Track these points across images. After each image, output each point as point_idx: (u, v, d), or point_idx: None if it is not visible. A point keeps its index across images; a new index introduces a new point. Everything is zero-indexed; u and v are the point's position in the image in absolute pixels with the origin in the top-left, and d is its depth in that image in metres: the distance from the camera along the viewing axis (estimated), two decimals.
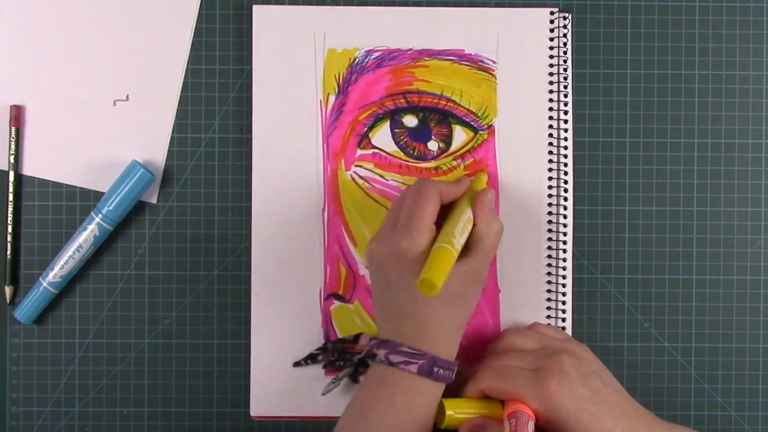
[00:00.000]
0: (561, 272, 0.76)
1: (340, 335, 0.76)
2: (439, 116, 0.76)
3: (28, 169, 0.77)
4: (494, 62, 0.76)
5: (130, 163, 0.75)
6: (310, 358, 0.76)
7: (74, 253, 0.75)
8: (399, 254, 0.67)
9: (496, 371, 0.69)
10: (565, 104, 0.76)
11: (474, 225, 0.70)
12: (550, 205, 0.76)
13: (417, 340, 0.68)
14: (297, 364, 0.76)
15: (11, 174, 0.76)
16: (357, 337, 0.75)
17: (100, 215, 0.75)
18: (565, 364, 0.67)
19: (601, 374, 0.69)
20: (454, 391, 0.70)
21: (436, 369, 0.67)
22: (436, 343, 0.68)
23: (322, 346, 0.76)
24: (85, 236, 0.75)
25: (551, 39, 0.76)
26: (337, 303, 0.76)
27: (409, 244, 0.66)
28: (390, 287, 0.68)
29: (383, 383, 0.68)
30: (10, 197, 0.76)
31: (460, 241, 0.67)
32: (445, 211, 0.70)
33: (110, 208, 0.75)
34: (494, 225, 0.70)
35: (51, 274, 0.75)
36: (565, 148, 0.77)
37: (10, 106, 0.76)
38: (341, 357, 0.76)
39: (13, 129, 0.76)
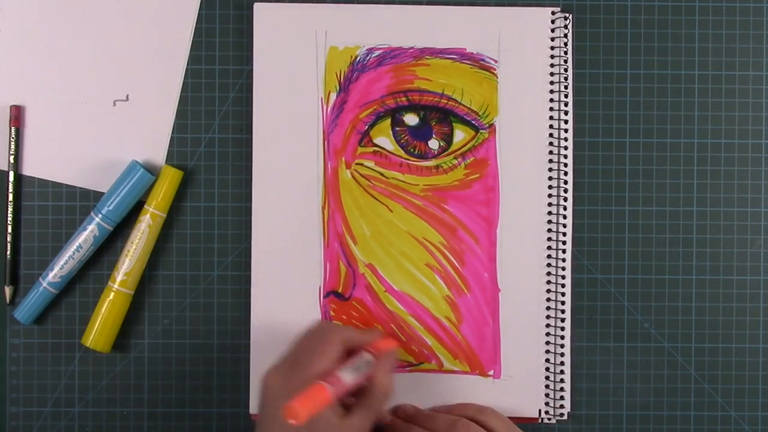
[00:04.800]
0: (560, 272, 0.76)
1: None
2: (439, 115, 0.76)
3: (28, 169, 0.77)
4: (495, 61, 0.76)
5: (130, 163, 0.75)
6: None
7: (74, 253, 0.75)
8: (294, 391, 0.66)
9: None
10: (566, 104, 0.76)
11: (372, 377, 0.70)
12: (550, 205, 0.76)
13: None
14: None
15: (11, 174, 0.76)
16: None
17: (100, 215, 0.74)
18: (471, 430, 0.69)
19: None
20: None
21: None
22: None
23: None
24: (85, 236, 0.75)
25: (552, 39, 0.77)
26: (336, 301, 0.76)
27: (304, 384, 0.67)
28: (280, 421, 0.67)
29: None
30: (10, 197, 0.76)
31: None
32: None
33: (110, 208, 0.74)
34: (388, 384, 0.70)
35: (51, 275, 0.75)
36: (565, 148, 0.77)
37: (10, 106, 0.76)
38: None
39: (13, 129, 0.76)
